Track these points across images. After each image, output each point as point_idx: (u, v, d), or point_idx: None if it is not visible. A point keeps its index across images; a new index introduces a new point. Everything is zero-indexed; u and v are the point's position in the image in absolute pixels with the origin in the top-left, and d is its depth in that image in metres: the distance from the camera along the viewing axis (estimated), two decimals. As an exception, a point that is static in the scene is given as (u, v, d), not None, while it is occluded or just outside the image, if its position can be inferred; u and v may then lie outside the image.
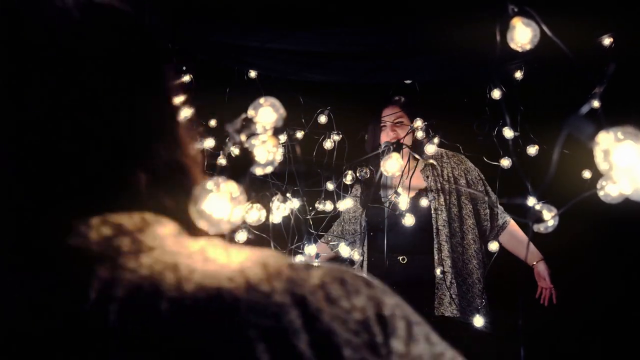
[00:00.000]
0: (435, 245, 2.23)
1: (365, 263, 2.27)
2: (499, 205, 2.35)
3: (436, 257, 2.22)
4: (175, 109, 0.51)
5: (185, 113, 0.54)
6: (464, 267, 2.25)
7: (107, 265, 0.39)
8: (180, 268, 0.40)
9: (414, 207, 2.21)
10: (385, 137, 2.31)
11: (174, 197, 0.48)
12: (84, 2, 0.46)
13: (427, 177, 2.32)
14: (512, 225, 2.32)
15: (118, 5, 0.49)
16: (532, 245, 2.28)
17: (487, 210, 2.33)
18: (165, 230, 0.44)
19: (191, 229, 0.49)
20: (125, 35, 0.48)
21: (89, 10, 0.46)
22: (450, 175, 2.32)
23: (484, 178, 2.36)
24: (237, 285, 0.39)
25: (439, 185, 2.31)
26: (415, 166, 2.26)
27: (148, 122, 0.48)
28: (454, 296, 2.17)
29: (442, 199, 2.28)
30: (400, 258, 2.22)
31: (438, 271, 2.21)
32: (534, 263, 2.29)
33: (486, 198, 2.34)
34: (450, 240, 2.24)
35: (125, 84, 0.47)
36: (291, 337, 0.37)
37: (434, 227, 2.24)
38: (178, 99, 0.52)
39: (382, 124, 2.32)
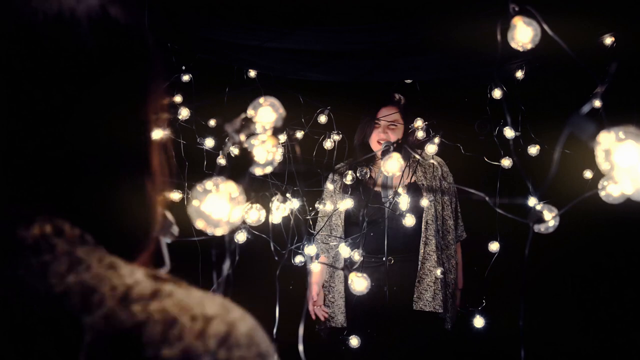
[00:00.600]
0: (423, 239, 2.25)
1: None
2: (460, 216, 2.39)
3: (422, 251, 2.23)
4: (152, 129, 0.50)
5: (161, 135, 0.53)
6: (444, 265, 2.28)
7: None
8: (94, 296, 0.39)
9: (413, 208, 2.22)
10: (376, 137, 2.31)
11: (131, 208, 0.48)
12: (82, 13, 0.46)
13: (415, 173, 2.33)
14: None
15: (116, 16, 0.48)
16: (461, 271, 2.38)
17: (453, 216, 2.36)
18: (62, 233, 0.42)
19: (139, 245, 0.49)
20: (122, 45, 0.48)
21: (85, 19, 0.46)
22: (437, 174, 2.34)
23: (456, 188, 2.39)
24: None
25: (429, 182, 2.33)
26: (411, 165, 2.25)
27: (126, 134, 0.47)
28: (437, 292, 2.18)
29: (437, 201, 2.30)
30: (388, 259, 2.23)
31: (438, 272, 2.21)
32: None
33: (457, 204, 2.38)
34: (435, 236, 2.25)
35: (116, 94, 0.46)
36: None
37: (424, 220, 2.25)
38: (160, 119, 0.52)
39: (375, 123, 2.32)
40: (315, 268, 2.12)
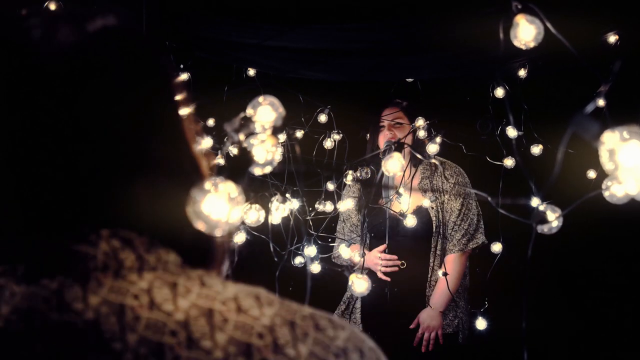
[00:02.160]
0: (432, 249, 2.23)
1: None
2: (461, 230, 2.28)
3: (431, 261, 2.22)
4: (177, 107, 0.51)
5: (186, 111, 0.53)
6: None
7: (109, 275, 0.41)
8: (170, 296, 0.41)
9: (417, 209, 2.20)
10: (383, 138, 2.29)
11: (177, 194, 0.48)
12: (86, 11, 0.47)
13: (427, 178, 2.31)
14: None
15: (117, 16, 0.49)
16: (446, 289, 2.14)
17: (450, 230, 2.28)
18: (169, 257, 0.45)
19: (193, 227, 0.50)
20: (127, 38, 0.48)
21: (92, 17, 0.46)
22: (444, 189, 2.31)
23: (466, 200, 2.31)
24: (179, 340, 0.39)
25: (435, 183, 2.31)
26: (417, 167, 2.24)
27: (150, 120, 0.47)
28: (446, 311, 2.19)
29: (440, 202, 2.27)
30: (400, 263, 2.20)
31: (440, 273, 2.19)
32: (432, 306, 2.18)
33: (462, 218, 2.29)
34: (442, 246, 2.24)
35: (127, 83, 0.46)
36: None
37: (434, 229, 2.23)
38: (179, 96, 0.52)
39: (381, 126, 2.31)
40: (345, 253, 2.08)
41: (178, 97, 0.51)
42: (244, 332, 0.40)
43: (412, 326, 2.20)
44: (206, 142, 2.02)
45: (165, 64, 0.51)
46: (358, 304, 2.26)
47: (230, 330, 0.40)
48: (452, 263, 2.24)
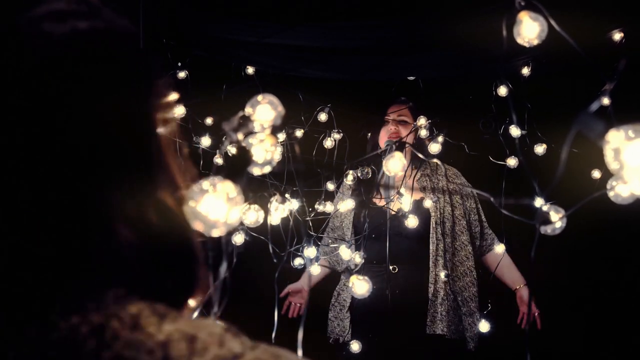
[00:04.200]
0: (432, 250, 2.19)
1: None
2: (486, 225, 2.29)
3: (432, 264, 2.19)
4: (158, 122, 0.50)
5: (168, 128, 0.52)
6: (455, 284, 2.18)
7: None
8: (105, 331, 0.39)
9: (415, 211, 2.17)
10: (385, 134, 2.27)
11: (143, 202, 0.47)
12: (77, 11, 0.46)
13: (426, 176, 2.29)
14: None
15: (114, 20, 0.48)
16: (516, 269, 2.22)
17: (478, 229, 2.26)
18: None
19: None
20: (120, 49, 0.47)
21: (81, 18, 0.46)
22: (446, 189, 2.28)
23: (477, 196, 2.30)
24: None
25: (434, 183, 2.28)
26: (419, 167, 2.22)
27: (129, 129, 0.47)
28: (443, 313, 2.13)
29: (439, 206, 2.24)
30: (391, 267, 2.16)
31: (442, 274, 2.15)
32: (517, 288, 2.22)
33: (480, 214, 2.28)
34: (444, 254, 2.20)
35: (115, 95, 0.46)
36: None
37: (431, 236, 2.19)
38: (163, 113, 0.51)
39: (385, 121, 2.29)
40: (316, 271, 2.07)
41: (161, 103, 0.50)
42: None
43: (535, 312, 2.17)
44: (203, 141, 2.01)
45: (149, 67, 0.50)
46: (347, 298, 2.23)
47: None
48: (503, 256, 2.22)
